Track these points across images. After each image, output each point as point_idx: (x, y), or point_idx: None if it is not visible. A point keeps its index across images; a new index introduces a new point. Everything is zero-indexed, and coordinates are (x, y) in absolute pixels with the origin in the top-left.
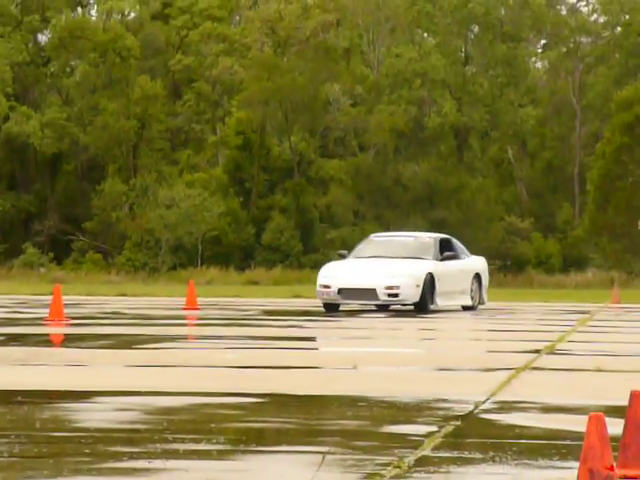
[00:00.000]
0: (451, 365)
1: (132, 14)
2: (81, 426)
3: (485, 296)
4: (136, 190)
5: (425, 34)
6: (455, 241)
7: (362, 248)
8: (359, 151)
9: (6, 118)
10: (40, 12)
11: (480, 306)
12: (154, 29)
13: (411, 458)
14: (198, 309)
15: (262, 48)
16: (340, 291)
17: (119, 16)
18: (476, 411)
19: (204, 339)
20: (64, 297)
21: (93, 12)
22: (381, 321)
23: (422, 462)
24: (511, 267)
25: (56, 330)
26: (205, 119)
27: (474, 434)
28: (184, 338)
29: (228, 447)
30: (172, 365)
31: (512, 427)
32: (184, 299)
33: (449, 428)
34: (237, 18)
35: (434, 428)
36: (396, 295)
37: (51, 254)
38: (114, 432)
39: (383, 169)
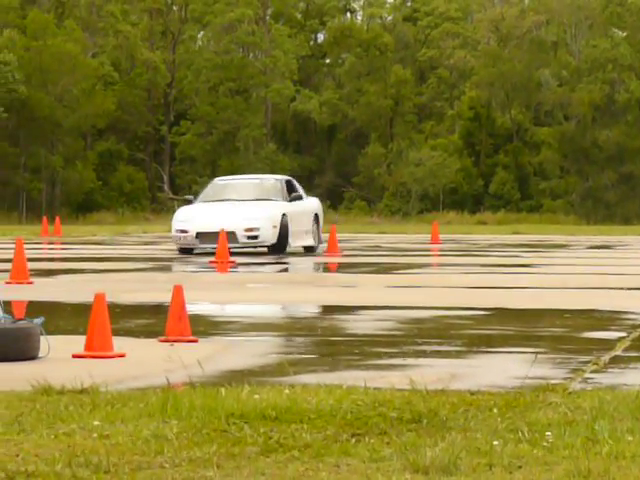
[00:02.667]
0: (632, 285)
1: (388, 17)
2: (351, 332)
3: (322, 236)
4: (392, 152)
5: (616, 29)
6: (296, 182)
7: (209, 192)
8: (564, 120)
9: (293, 99)
10: (318, 17)
11: (320, 245)
12: (405, 28)
13: (606, 357)
14: (440, 243)
15: (488, 42)
16: (198, 235)
17: (378, 19)
18: None
19: (445, 266)
20: (338, 235)
21: (359, 17)
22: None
23: (615, 360)
24: None
25: (333, 260)
26: (444, 97)
27: None
28: (430, 265)
29: (463, 348)
30: (421, 286)
31: None
32: (429, 236)
33: (636, 334)
34: (469, 19)
35: (624, 334)
36: (255, 237)
37: (328, 202)
38: (376, 337)
39: (583, 134)
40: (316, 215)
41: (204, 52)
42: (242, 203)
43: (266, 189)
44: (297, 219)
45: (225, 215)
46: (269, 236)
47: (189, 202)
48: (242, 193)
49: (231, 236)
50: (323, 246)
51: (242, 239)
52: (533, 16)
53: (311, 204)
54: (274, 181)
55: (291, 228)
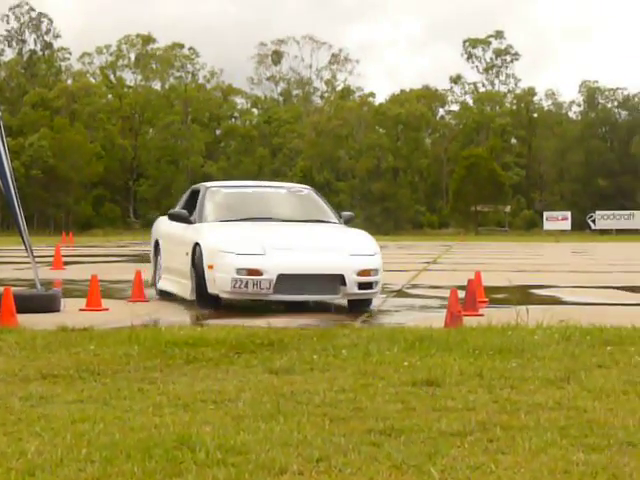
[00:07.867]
0: (393, 269)
1: (254, 121)
2: None
3: None
4: None
5: (379, 127)
6: None
7: (219, 207)
8: (352, 178)
9: (202, 165)
10: (216, 121)
11: None
12: (264, 127)
13: (377, 308)
14: None
15: (311, 135)
16: (280, 279)
17: (247, 122)
18: (402, 289)
19: None
20: None
21: (238, 121)
22: None
23: (381, 311)
24: None
25: None
26: (291, 165)
27: (402, 297)
28: None
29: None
30: None
31: (417, 295)
32: None
33: (391, 295)
34: (300, 121)
35: (384, 296)
36: (370, 285)
37: None
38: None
39: (363, 186)
40: None
41: (153, 140)
42: (317, 226)
43: (318, 205)
44: None
45: (316, 247)
46: (380, 281)
47: (186, 220)
48: (286, 211)
49: (333, 282)
50: None
51: (352, 287)
52: (335, 121)
53: None
54: (306, 191)
55: None
